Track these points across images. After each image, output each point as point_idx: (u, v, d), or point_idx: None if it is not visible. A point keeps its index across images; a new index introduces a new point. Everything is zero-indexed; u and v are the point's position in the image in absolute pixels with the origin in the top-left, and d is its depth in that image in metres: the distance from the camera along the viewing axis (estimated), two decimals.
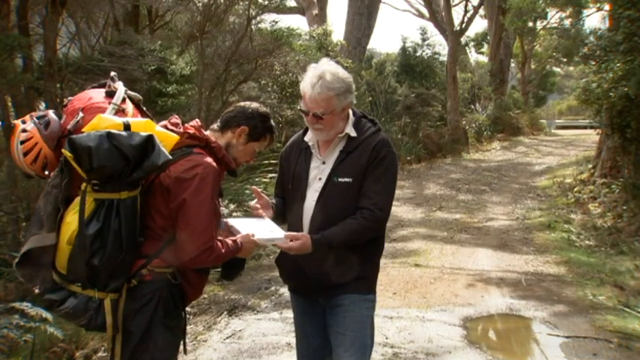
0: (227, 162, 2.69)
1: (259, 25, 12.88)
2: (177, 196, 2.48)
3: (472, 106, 24.30)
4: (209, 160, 2.58)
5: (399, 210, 10.96)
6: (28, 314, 3.90)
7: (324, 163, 2.85)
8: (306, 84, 2.76)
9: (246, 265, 7.17)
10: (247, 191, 9.71)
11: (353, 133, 2.82)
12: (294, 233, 2.72)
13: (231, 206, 7.87)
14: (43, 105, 7.65)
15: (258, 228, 2.79)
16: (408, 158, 16.37)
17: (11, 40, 6.20)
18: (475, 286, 6.50)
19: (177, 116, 2.73)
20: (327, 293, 2.83)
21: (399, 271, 7.06)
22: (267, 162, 10.83)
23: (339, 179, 2.77)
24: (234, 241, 2.69)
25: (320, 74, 2.73)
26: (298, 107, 3.01)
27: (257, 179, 10.49)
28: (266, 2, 12.76)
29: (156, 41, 10.40)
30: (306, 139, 2.93)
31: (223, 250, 2.58)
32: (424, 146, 17.73)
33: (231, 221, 2.83)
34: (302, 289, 2.97)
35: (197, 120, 2.75)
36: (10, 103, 7.45)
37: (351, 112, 2.88)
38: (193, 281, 2.65)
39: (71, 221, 2.36)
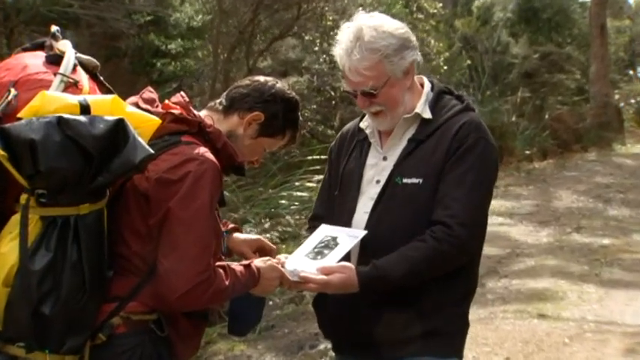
0: (230, 153, 2.68)
1: None
2: (160, 207, 2.47)
3: (630, 73, 23.89)
4: (205, 151, 2.55)
5: (513, 231, 10.89)
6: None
7: (385, 158, 2.89)
8: (341, 51, 2.80)
9: (278, 312, 7.28)
10: (283, 201, 9.77)
11: (427, 114, 2.84)
12: (332, 264, 2.70)
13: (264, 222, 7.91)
14: None
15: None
16: (528, 152, 16.26)
17: None
18: (637, 351, 6.40)
19: (151, 89, 2.73)
20: (384, 353, 2.80)
21: (514, 324, 7.03)
22: (311, 158, 10.79)
23: (405, 180, 2.78)
24: (248, 267, 2.67)
25: (356, 34, 2.77)
26: (342, 89, 3.08)
27: (297, 183, 10.53)
28: None
29: None
30: (362, 125, 2.99)
31: (227, 282, 2.55)
32: (553, 134, 17.65)
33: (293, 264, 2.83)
34: (348, 346, 2.96)
35: (182, 93, 2.75)
36: None
37: (427, 83, 2.92)
38: (186, 331, 2.64)
39: (7, 252, 2.35)
